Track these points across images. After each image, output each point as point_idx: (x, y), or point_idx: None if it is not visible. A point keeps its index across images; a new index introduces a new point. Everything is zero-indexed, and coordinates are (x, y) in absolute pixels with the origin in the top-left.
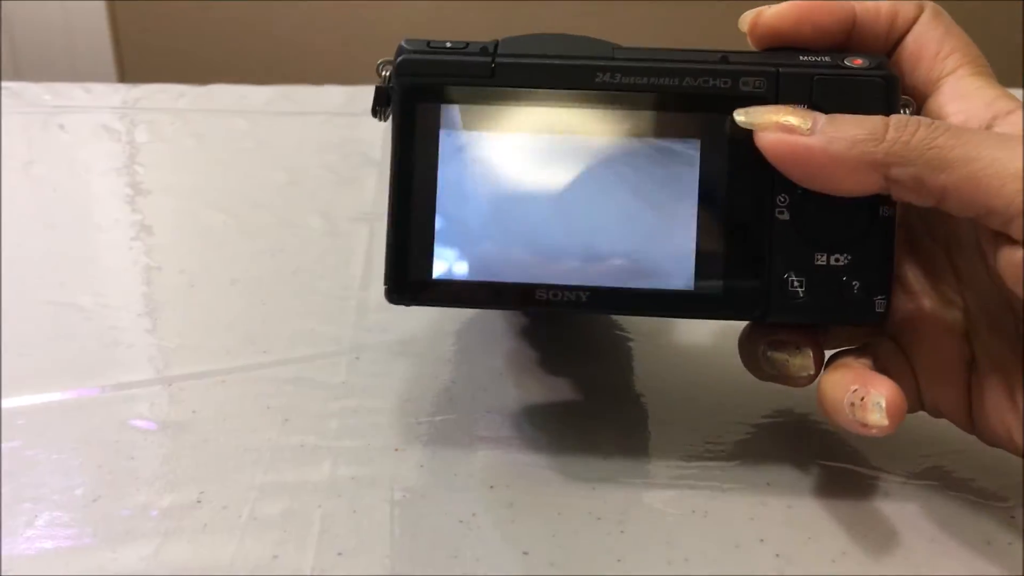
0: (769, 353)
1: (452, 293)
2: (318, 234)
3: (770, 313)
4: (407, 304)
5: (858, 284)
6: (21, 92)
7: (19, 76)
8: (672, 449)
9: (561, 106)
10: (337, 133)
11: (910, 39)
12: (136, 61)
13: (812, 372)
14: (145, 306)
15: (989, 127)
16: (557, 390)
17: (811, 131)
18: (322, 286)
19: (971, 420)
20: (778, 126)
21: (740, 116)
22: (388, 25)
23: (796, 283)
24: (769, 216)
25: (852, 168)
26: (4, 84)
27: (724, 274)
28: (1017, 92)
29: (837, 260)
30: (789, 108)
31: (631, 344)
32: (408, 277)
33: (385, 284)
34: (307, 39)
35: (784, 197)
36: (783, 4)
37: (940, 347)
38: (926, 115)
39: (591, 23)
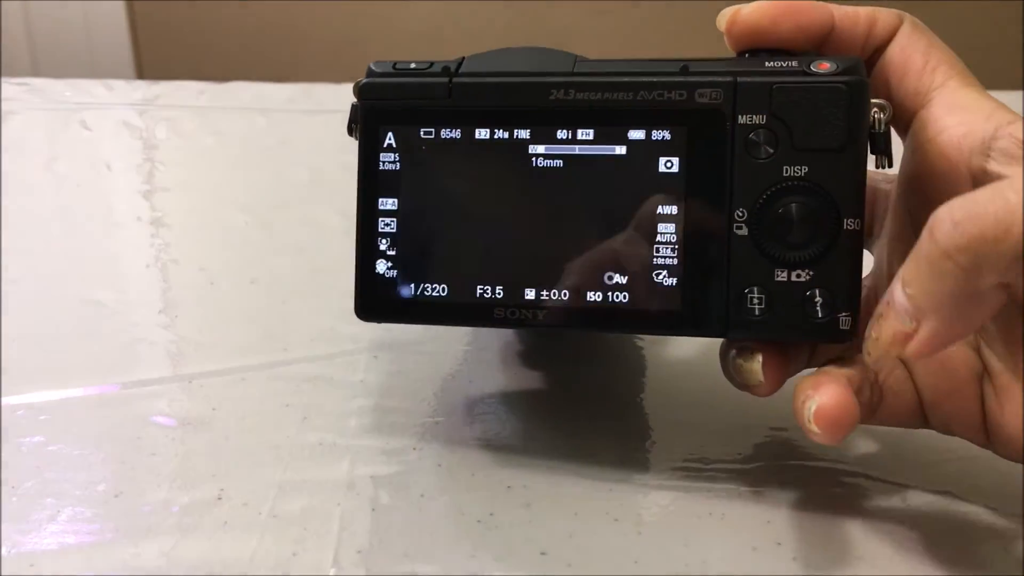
0: (732, 358)
1: (416, 311)
2: (337, 233)
3: (729, 330)
4: (376, 321)
5: (821, 301)
6: (43, 89)
7: (38, 72)
8: (689, 451)
9: (520, 125)
10: None
11: (895, 50)
12: (154, 58)
13: (761, 380)
14: (165, 303)
15: (992, 138)
16: (574, 391)
17: (916, 322)
18: (341, 285)
19: (985, 434)
20: (891, 346)
21: (869, 358)
22: (407, 23)
23: (756, 300)
24: (727, 231)
25: (961, 331)
26: (27, 80)
27: (682, 291)
28: (1017, 94)
29: (799, 276)
30: (882, 326)
31: (643, 346)
32: (375, 296)
33: (355, 303)
34: (324, 36)
35: (742, 212)
36: (761, 2)
37: (946, 364)
38: (918, 127)
39: (602, 22)
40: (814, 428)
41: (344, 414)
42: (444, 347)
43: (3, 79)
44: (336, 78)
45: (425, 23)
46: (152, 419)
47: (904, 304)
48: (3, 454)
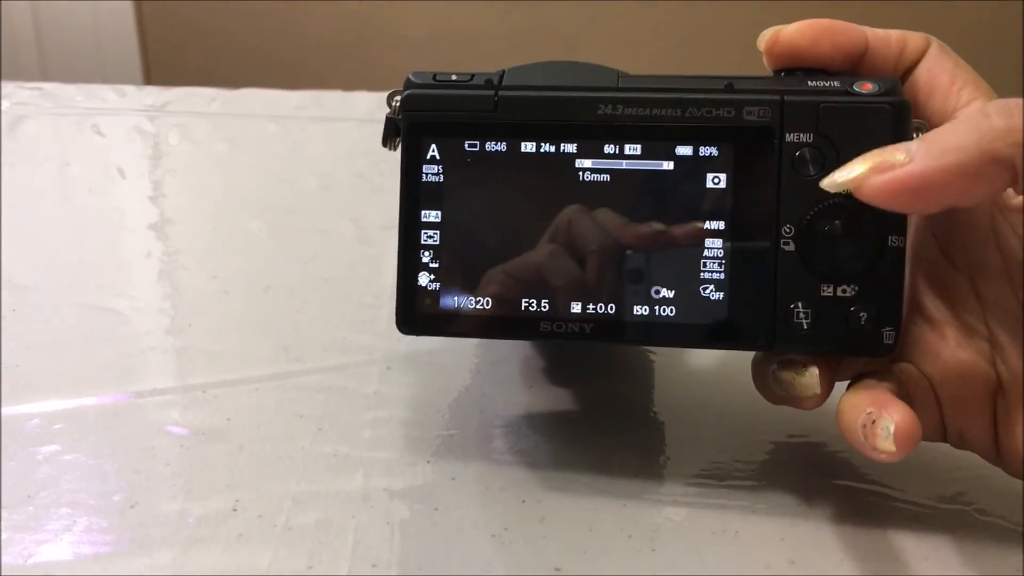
0: (777, 372)
1: (459, 325)
2: (350, 242)
3: (775, 343)
4: (417, 335)
5: (866, 316)
6: (55, 93)
7: (46, 77)
8: (702, 468)
9: (567, 139)
10: (367, 140)
11: (922, 70)
12: (163, 61)
13: (818, 392)
14: (179, 312)
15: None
16: (587, 405)
17: (911, 158)
18: (354, 294)
19: (997, 450)
20: (872, 170)
21: (828, 184)
22: (416, 28)
23: (802, 314)
24: (774, 247)
25: (976, 173)
26: (39, 85)
27: (729, 305)
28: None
29: (844, 291)
30: (874, 152)
31: (655, 361)
32: (416, 309)
33: (396, 316)
34: (334, 42)
35: (789, 228)
36: (802, 22)
37: (965, 377)
38: None
39: (611, 25)
40: (890, 447)
41: (358, 426)
42: (458, 359)
43: (15, 83)
44: (345, 82)
45: (435, 27)
46: (166, 428)
47: (912, 143)
48: (20, 463)
